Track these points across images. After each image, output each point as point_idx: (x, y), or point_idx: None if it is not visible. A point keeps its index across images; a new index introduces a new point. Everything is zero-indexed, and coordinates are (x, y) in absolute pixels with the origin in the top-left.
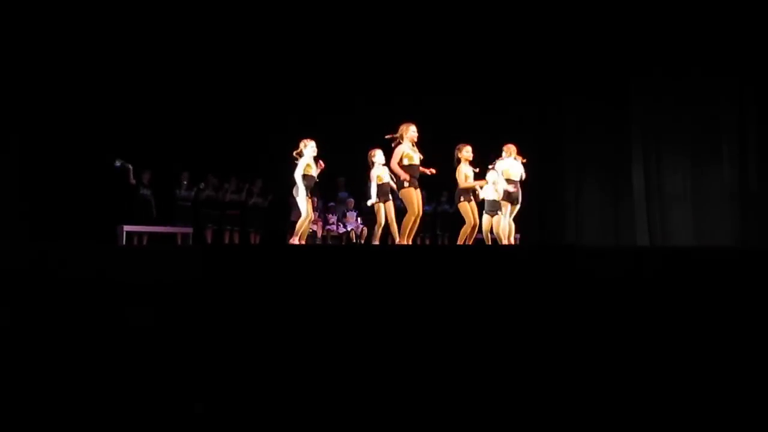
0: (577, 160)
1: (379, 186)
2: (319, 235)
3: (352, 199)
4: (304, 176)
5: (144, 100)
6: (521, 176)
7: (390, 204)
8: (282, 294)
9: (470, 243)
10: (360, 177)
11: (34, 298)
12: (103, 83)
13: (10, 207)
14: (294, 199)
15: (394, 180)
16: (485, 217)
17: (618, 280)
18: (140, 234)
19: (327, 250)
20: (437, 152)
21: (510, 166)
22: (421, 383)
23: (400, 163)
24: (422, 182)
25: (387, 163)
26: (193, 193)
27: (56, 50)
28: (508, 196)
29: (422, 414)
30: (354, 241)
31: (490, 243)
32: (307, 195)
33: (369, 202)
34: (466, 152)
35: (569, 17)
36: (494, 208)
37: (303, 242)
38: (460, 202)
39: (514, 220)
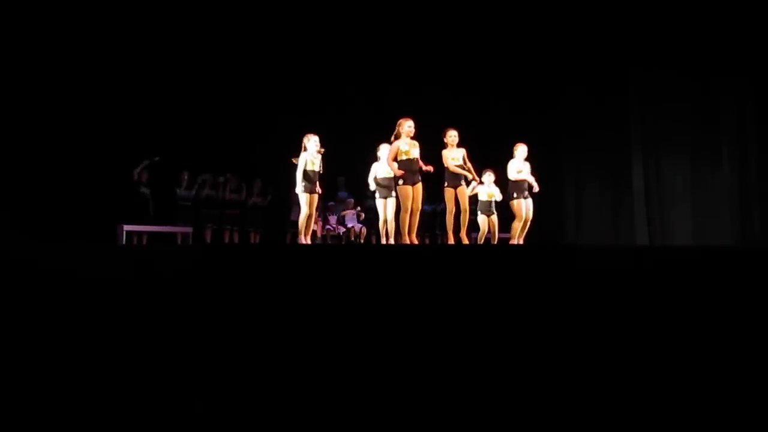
0: (577, 160)
1: (381, 181)
2: (319, 234)
3: (351, 199)
4: (305, 172)
5: (144, 99)
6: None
7: (392, 200)
8: (281, 293)
9: (452, 231)
10: (360, 177)
11: (34, 298)
12: (102, 82)
13: (10, 207)
14: (295, 197)
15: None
16: (481, 216)
17: (618, 280)
18: (140, 233)
19: (326, 249)
20: (437, 150)
21: (521, 167)
22: (421, 382)
23: (394, 159)
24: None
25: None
26: (193, 192)
27: (56, 49)
28: (521, 192)
29: (423, 412)
30: (353, 240)
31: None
32: (307, 191)
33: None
34: (450, 137)
35: (569, 16)
36: (489, 208)
37: (306, 238)
38: (445, 186)
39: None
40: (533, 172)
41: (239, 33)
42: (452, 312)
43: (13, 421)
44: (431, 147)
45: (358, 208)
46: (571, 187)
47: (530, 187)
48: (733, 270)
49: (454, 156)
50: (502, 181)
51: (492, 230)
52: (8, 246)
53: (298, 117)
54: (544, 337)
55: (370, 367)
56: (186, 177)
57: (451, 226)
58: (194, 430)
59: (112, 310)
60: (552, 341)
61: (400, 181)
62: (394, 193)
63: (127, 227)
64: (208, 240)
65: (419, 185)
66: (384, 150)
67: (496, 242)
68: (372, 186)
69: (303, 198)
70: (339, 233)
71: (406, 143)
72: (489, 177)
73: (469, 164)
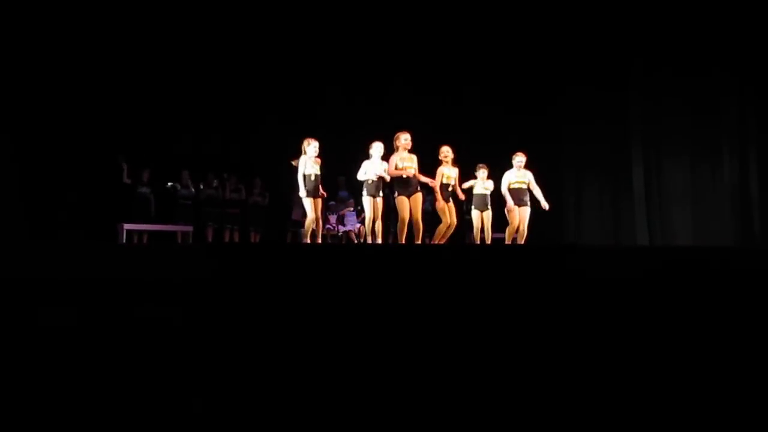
0: (577, 160)
1: (369, 181)
2: (319, 234)
3: (352, 200)
4: (305, 176)
5: (144, 99)
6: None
7: (379, 200)
8: (281, 292)
9: (443, 241)
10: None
11: (34, 298)
12: (102, 82)
13: (10, 207)
14: (295, 197)
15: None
16: (474, 212)
17: (618, 280)
18: (140, 232)
19: (326, 249)
20: (433, 154)
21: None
22: (421, 381)
23: (394, 171)
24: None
25: (384, 158)
26: (193, 191)
27: (55, 49)
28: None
29: (423, 411)
30: (353, 240)
31: (478, 239)
32: (311, 195)
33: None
34: (443, 154)
35: (569, 14)
36: (483, 203)
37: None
38: (436, 200)
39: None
40: (538, 182)
41: (239, 33)
42: (452, 312)
43: (14, 419)
44: (430, 145)
45: (359, 208)
46: (571, 188)
47: (530, 194)
48: (733, 270)
49: (449, 174)
50: (498, 180)
51: (485, 227)
52: (8, 246)
53: (298, 117)
54: (544, 337)
55: (369, 366)
56: (186, 176)
57: (445, 238)
58: (193, 429)
59: (112, 310)
60: (552, 341)
61: (396, 193)
62: (381, 193)
63: (127, 226)
64: (209, 239)
65: (417, 195)
66: (376, 148)
67: (489, 241)
68: (361, 178)
69: (307, 203)
70: (339, 233)
71: (402, 159)
72: (483, 172)
73: (459, 189)
